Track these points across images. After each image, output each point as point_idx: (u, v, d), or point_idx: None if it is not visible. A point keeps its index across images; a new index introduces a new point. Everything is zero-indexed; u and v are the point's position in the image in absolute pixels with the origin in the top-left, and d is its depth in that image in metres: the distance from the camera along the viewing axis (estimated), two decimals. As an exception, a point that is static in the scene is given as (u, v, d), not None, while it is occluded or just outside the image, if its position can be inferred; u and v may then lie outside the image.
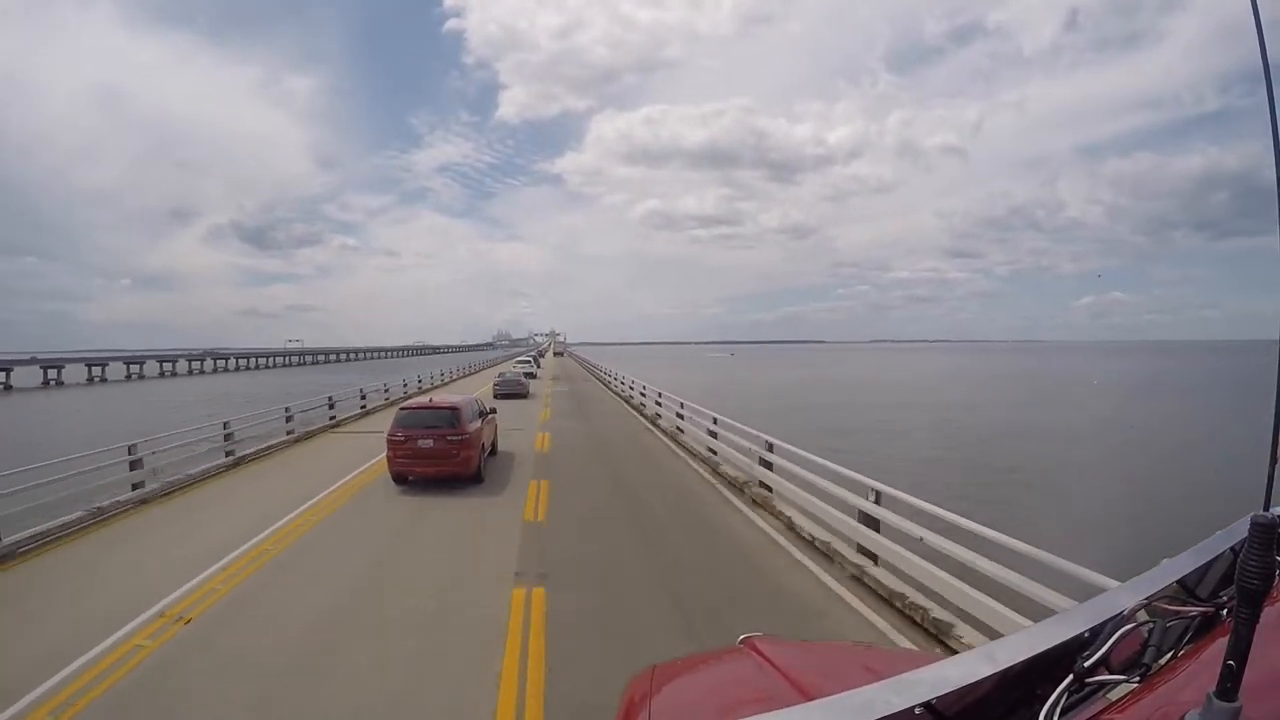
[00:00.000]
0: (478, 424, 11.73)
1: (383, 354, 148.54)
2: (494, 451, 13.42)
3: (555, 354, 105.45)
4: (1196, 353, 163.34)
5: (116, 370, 76.90)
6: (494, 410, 13.97)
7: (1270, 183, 1.19)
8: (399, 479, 11.09)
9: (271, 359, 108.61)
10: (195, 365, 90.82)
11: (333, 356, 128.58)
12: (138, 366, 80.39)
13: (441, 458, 10.71)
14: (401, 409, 11.78)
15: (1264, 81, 1.19)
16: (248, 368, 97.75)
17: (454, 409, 11.25)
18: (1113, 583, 3.09)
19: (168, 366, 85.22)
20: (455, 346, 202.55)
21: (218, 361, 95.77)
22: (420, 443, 10.73)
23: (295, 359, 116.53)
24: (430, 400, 12.26)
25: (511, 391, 27.42)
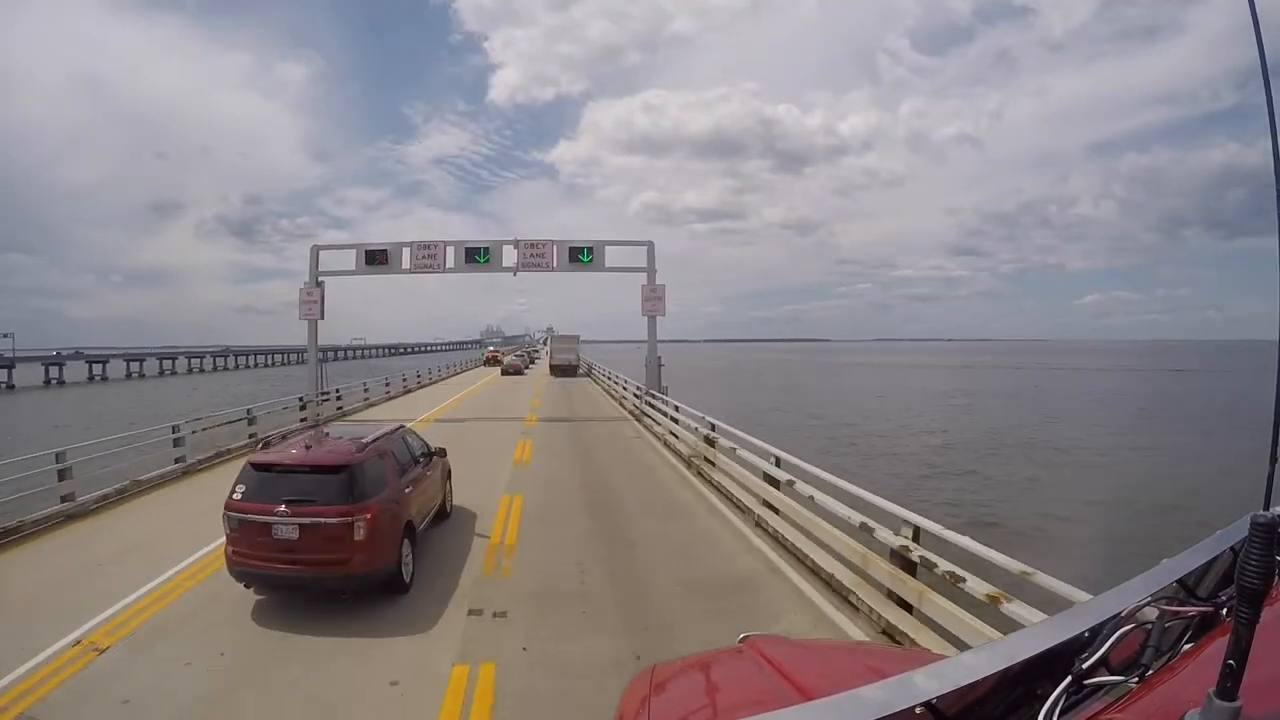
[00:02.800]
0: (398, 485, 6.96)
1: (354, 354, 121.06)
2: (447, 513, 9.17)
3: (553, 366, 43.88)
4: (1181, 353, 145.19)
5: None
6: (442, 450, 9.04)
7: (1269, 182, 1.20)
8: (244, 578, 6.25)
9: (199, 359, 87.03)
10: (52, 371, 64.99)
11: (277, 358, 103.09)
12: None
13: (311, 551, 6.01)
14: (252, 463, 6.54)
15: (1263, 81, 1.21)
16: (136, 374, 73.41)
17: (342, 467, 6.34)
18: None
19: (53, 371, 64.28)
20: (422, 345, 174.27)
21: (128, 363, 73.51)
22: (277, 528, 6.00)
23: (233, 361, 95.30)
24: (308, 447, 6.70)
25: (514, 370, 44.71)
